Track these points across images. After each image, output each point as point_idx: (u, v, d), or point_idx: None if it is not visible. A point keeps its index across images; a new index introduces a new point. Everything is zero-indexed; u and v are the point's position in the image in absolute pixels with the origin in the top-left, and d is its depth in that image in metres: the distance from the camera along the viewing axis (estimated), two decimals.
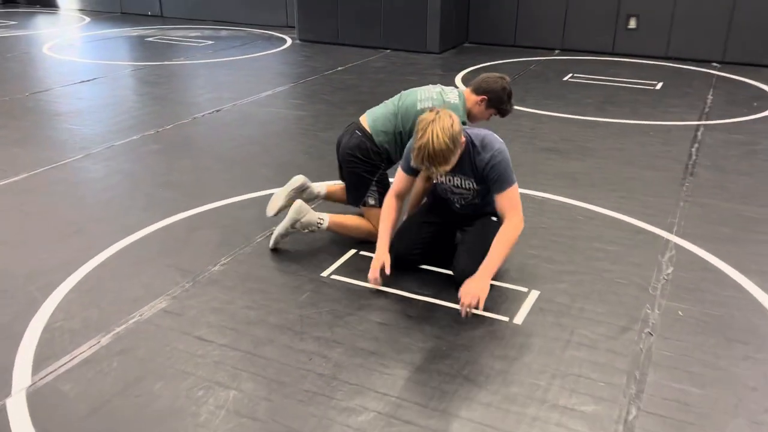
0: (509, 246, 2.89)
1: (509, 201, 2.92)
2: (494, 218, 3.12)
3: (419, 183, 3.36)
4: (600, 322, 2.79)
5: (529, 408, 2.29)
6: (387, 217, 3.09)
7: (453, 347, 2.62)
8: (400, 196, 3.15)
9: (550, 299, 2.96)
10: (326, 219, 3.32)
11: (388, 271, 2.95)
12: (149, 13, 11.56)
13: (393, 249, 3.10)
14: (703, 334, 2.73)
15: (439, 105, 3.22)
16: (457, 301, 2.83)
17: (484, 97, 3.35)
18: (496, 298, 2.94)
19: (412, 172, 3.10)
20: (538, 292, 3.01)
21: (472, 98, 3.37)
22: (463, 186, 3.04)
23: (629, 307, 2.90)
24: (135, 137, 5.11)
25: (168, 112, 5.87)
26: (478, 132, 2.98)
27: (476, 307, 2.76)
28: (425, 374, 2.45)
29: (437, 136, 2.67)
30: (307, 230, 3.30)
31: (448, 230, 3.27)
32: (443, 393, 2.36)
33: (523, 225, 2.93)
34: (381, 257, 2.98)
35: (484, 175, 2.94)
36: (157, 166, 4.57)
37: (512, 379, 2.43)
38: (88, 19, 11.29)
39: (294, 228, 3.27)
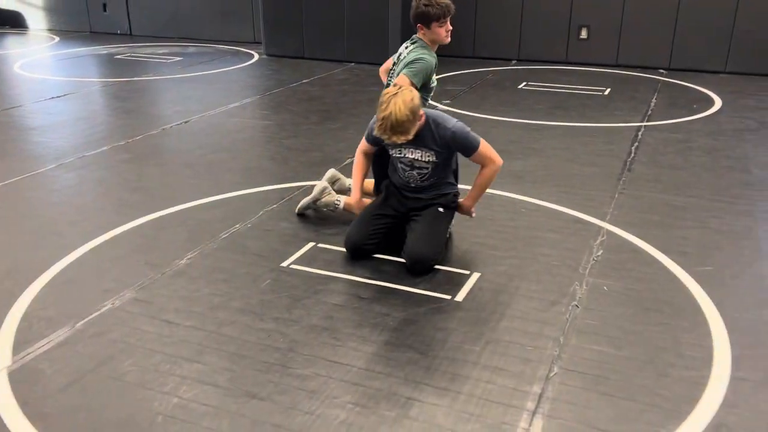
0: (489, 182, 3.47)
1: (483, 156, 3.38)
2: (441, 209, 3.44)
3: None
4: (532, 298, 3.09)
5: (464, 369, 2.57)
6: (358, 171, 3.62)
7: (399, 322, 2.89)
8: (369, 155, 3.62)
9: (490, 280, 3.26)
10: (342, 201, 3.81)
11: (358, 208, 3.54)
12: (118, 31, 11.77)
13: (349, 239, 3.40)
14: (624, 305, 3.04)
15: (412, 58, 3.57)
16: (408, 284, 3.12)
17: (420, 25, 3.65)
18: (441, 280, 3.22)
19: (374, 142, 3.46)
20: (479, 274, 3.30)
21: (420, 33, 3.69)
22: (423, 159, 3.36)
23: (560, 285, 3.20)
24: (105, 148, 5.34)
25: (137, 124, 6.10)
26: (433, 112, 3.37)
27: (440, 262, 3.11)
28: (373, 345, 2.73)
29: (399, 108, 3.02)
30: (325, 209, 3.87)
31: (400, 222, 3.55)
32: (388, 359, 2.63)
33: (500, 162, 3.44)
34: (356, 195, 3.61)
35: (450, 146, 3.32)
36: (127, 174, 4.80)
37: (450, 346, 2.71)
38: (57, 38, 11.46)
39: (315, 204, 3.88)
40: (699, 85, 7.59)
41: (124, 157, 5.14)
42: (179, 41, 11.01)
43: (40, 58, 9.65)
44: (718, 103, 6.81)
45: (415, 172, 3.42)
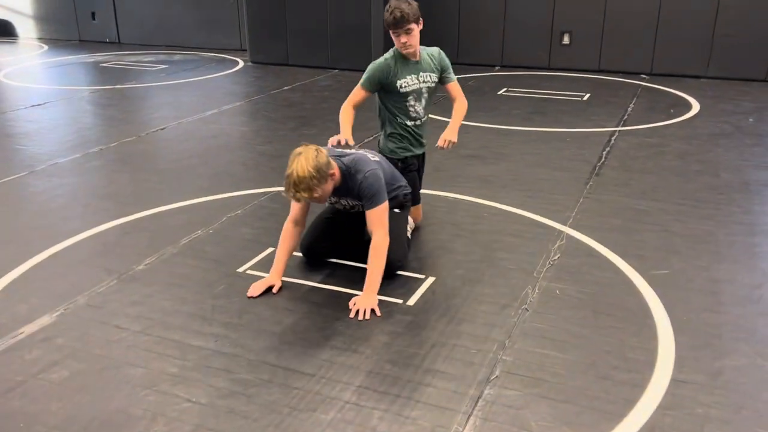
0: (384, 257, 3.10)
1: (378, 215, 3.12)
2: (396, 210, 3.42)
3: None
4: (483, 302, 3.10)
5: (405, 372, 2.58)
6: (284, 244, 3.25)
7: (348, 326, 2.90)
8: (297, 222, 3.27)
9: (444, 284, 3.26)
10: None
11: (276, 290, 3.18)
12: (107, 40, 11.83)
13: (302, 241, 3.40)
14: (575, 308, 3.04)
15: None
16: (362, 288, 3.13)
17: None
18: (395, 285, 3.23)
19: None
20: (434, 278, 3.31)
21: None
22: (356, 206, 3.33)
23: (513, 288, 3.21)
24: (78, 155, 5.36)
25: (114, 131, 6.12)
26: (352, 157, 3.21)
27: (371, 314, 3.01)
28: (318, 348, 2.73)
29: (302, 165, 2.91)
30: None
31: (354, 225, 3.55)
32: (332, 363, 2.64)
33: (388, 239, 3.11)
34: (271, 280, 3.20)
35: (358, 194, 3.17)
36: (97, 180, 4.82)
37: (395, 350, 2.72)
38: (46, 47, 11.51)
39: None
40: (679, 90, 7.61)
41: (96, 164, 5.17)
42: (166, 49, 11.06)
43: (26, 67, 9.69)
44: (696, 107, 6.83)
45: (352, 210, 3.41)
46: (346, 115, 3.59)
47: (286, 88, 7.98)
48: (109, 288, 3.23)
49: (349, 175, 3.15)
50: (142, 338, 2.81)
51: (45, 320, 2.95)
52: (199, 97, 7.55)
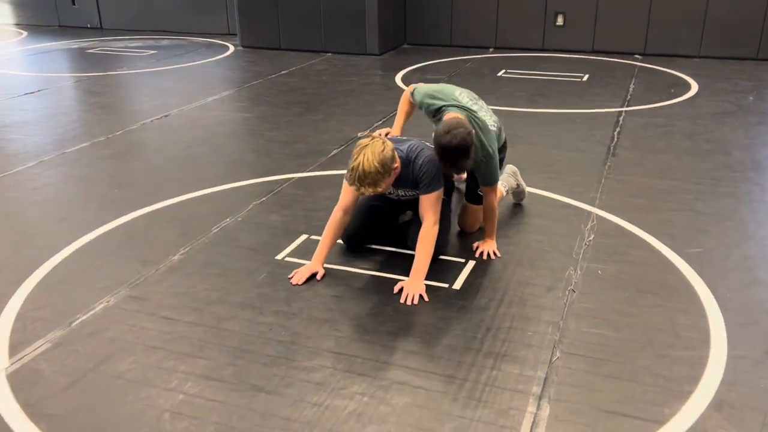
0: (433, 244, 3.08)
1: (432, 202, 3.10)
2: (445, 197, 3.38)
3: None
4: (528, 284, 3.12)
5: (467, 356, 2.58)
6: (330, 231, 3.21)
7: (399, 311, 2.89)
8: (347, 211, 3.21)
9: (485, 268, 3.27)
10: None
11: (319, 277, 3.15)
12: (88, 25, 11.54)
13: (346, 231, 3.37)
14: (619, 288, 3.08)
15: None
16: (404, 273, 3.12)
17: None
18: (437, 269, 3.23)
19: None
20: (474, 262, 3.32)
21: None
22: (408, 195, 3.30)
23: (555, 270, 3.23)
24: (85, 144, 5.24)
25: (116, 119, 5.99)
26: (411, 144, 3.18)
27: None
28: (375, 334, 2.73)
29: (368, 159, 2.88)
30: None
31: (393, 211, 3.54)
32: (391, 348, 2.63)
33: (437, 225, 3.10)
34: (313, 268, 3.17)
35: (415, 180, 3.14)
36: (109, 170, 4.72)
37: (452, 334, 2.72)
38: (25, 33, 11.20)
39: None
40: (675, 70, 7.70)
41: (105, 153, 5.06)
42: (152, 34, 10.83)
43: (8, 54, 9.42)
44: (694, 87, 6.91)
45: (402, 198, 3.37)
46: (399, 113, 3.77)
47: (283, 72, 7.88)
48: (148, 279, 3.17)
49: (409, 162, 3.13)
50: (194, 328, 2.77)
51: (90, 314, 2.89)
52: (196, 84, 7.42)
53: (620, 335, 2.72)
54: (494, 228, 3.45)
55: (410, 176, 3.14)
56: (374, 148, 2.93)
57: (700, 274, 3.18)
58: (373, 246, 3.47)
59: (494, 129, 3.42)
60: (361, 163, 2.90)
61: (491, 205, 3.42)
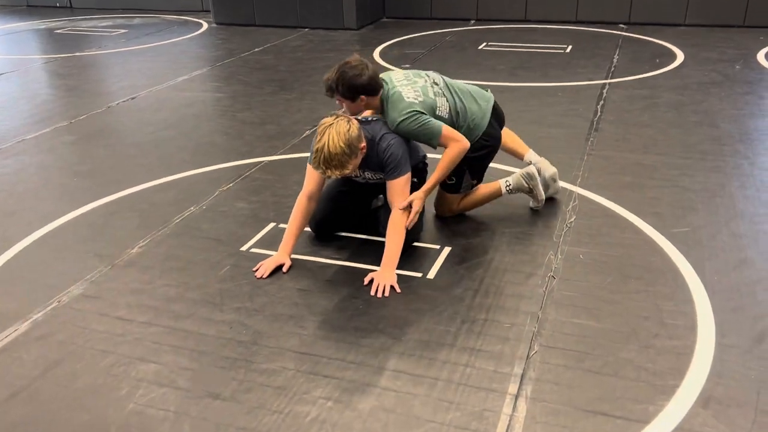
0: (404, 232, 2.92)
1: (398, 187, 2.92)
2: (415, 180, 3.18)
3: None
4: (507, 271, 2.95)
5: (440, 353, 2.42)
6: (296, 220, 3.03)
7: (369, 305, 2.73)
8: (312, 197, 3.04)
9: (462, 254, 3.11)
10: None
11: (285, 269, 2.97)
12: (57, 4, 11.16)
13: (313, 218, 3.19)
14: (602, 273, 2.92)
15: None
16: (375, 262, 2.95)
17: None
18: (410, 257, 3.06)
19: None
20: (450, 248, 3.15)
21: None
22: (375, 178, 3.11)
23: (535, 255, 3.07)
24: (47, 130, 5.00)
25: (82, 102, 5.74)
26: (374, 125, 2.99)
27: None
28: (342, 331, 2.56)
29: (333, 139, 2.70)
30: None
31: (363, 196, 3.36)
32: (360, 347, 2.47)
33: (463, 142, 3.02)
34: (279, 259, 2.99)
35: (380, 164, 2.95)
36: (70, 157, 4.50)
37: (424, 328, 2.56)
38: None
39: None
40: (660, 39, 7.49)
41: (67, 138, 4.83)
42: (123, 13, 10.49)
43: None
44: (680, 56, 6.72)
45: (370, 181, 3.18)
46: None
47: (257, 50, 7.62)
48: (103, 276, 2.98)
49: (374, 143, 2.94)
50: (149, 330, 2.59)
51: (39, 316, 2.70)
52: (166, 63, 7.15)
53: (602, 325, 2.57)
54: (394, 254, 2.87)
55: (374, 158, 2.95)
56: (339, 127, 2.74)
57: (686, 256, 3.03)
58: (344, 234, 3.30)
59: (443, 114, 3.09)
60: (326, 144, 2.71)
61: (395, 217, 2.91)
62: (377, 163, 2.95)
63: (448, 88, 3.24)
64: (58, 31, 9.17)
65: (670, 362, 2.35)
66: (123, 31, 9.01)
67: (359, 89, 2.94)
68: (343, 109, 3.08)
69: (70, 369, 2.38)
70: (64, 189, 3.96)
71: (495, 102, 3.40)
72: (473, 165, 3.28)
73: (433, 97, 3.10)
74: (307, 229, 3.25)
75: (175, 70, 6.78)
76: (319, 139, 2.74)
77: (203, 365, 2.39)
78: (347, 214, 3.29)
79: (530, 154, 3.63)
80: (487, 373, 2.31)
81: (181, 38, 8.46)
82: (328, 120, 2.79)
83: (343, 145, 2.71)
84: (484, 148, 3.30)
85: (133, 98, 5.80)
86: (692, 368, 2.32)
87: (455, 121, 3.15)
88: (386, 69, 6.48)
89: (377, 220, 3.21)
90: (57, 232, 3.41)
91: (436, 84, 3.20)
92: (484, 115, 3.26)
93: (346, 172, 2.82)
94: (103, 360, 2.43)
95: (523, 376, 2.29)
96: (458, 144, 3.01)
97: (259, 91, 5.96)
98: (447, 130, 3.01)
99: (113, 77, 6.79)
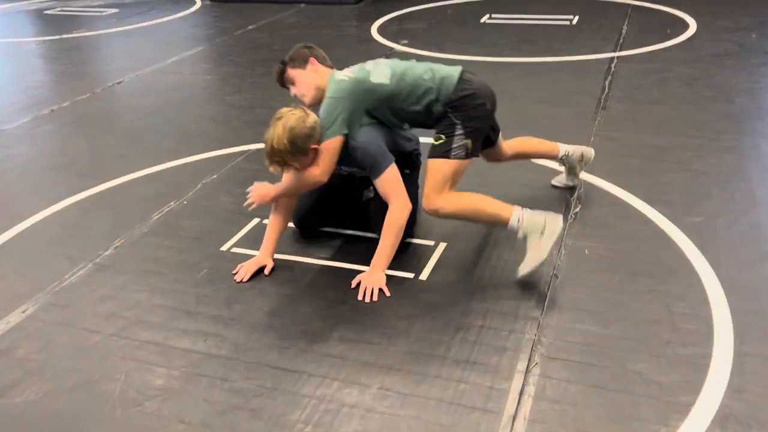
0: (399, 232, 2.67)
1: (387, 184, 2.67)
2: (407, 170, 2.96)
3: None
4: (505, 269, 2.73)
5: (431, 366, 2.21)
6: (276, 217, 2.82)
7: (356, 311, 2.52)
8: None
9: (457, 251, 2.88)
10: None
11: (267, 272, 2.77)
12: None
13: (296, 214, 2.98)
14: (608, 270, 2.69)
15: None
16: (365, 262, 2.74)
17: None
18: (402, 255, 2.84)
19: None
20: (445, 244, 2.93)
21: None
22: (360, 172, 2.87)
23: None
24: (28, 118, 4.79)
25: (65, 88, 5.52)
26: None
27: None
28: (325, 342, 2.35)
29: (278, 134, 2.50)
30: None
31: (351, 187, 3.13)
32: (344, 360, 2.26)
33: (409, 206, 2.68)
34: (262, 260, 2.78)
35: (358, 161, 2.71)
36: (50, 148, 4.29)
37: (415, 337, 2.35)
38: None
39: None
40: (671, 7, 7.13)
41: (47, 128, 4.61)
42: None
43: None
44: (693, 26, 6.38)
45: (356, 174, 2.95)
46: None
47: (250, 27, 7.33)
48: (73, 281, 2.79)
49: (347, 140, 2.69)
50: (117, 343, 2.40)
51: (1, 328, 2.51)
52: (156, 44, 6.89)
53: (609, 331, 2.35)
54: (386, 254, 2.64)
55: (350, 155, 2.71)
56: (288, 121, 2.52)
57: (701, 249, 2.79)
58: (331, 229, 3.08)
59: (382, 80, 2.68)
60: (271, 138, 2.52)
61: (392, 213, 2.65)
62: (355, 160, 2.72)
63: (402, 62, 2.84)
64: (48, 11, 8.90)
65: (684, 374, 2.13)
66: (114, 10, 8.72)
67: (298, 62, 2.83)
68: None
69: (30, 390, 2.20)
70: (39, 184, 3.75)
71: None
72: (465, 120, 2.70)
73: (369, 68, 2.74)
74: (291, 225, 3.04)
75: (165, 51, 6.52)
76: (268, 130, 2.54)
77: (175, 383, 2.19)
78: (333, 208, 3.07)
79: (563, 148, 3.30)
80: (483, 389, 2.11)
81: (173, 17, 8.17)
82: (283, 110, 2.57)
83: (286, 141, 2.49)
84: (470, 98, 2.69)
85: (119, 83, 5.56)
86: (709, 381, 2.10)
87: (397, 86, 2.69)
88: (384, 46, 6.21)
89: (368, 215, 2.98)
90: (28, 232, 3.21)
91: (387, 61, 2.84)
92: (449, 72, 2.74)
93: (291, 170, 2.62)
94: (66, 379, 2.23)
95: (521, 393, 2.08)
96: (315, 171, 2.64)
97: (250, 72, 5.71)
98: (334, 143, 2.63)
99: (100, 60, 6.55)
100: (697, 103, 4.46)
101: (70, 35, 7.46)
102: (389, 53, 5.93)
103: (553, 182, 3.41)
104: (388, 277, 2.68)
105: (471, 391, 2.10)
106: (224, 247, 2.99)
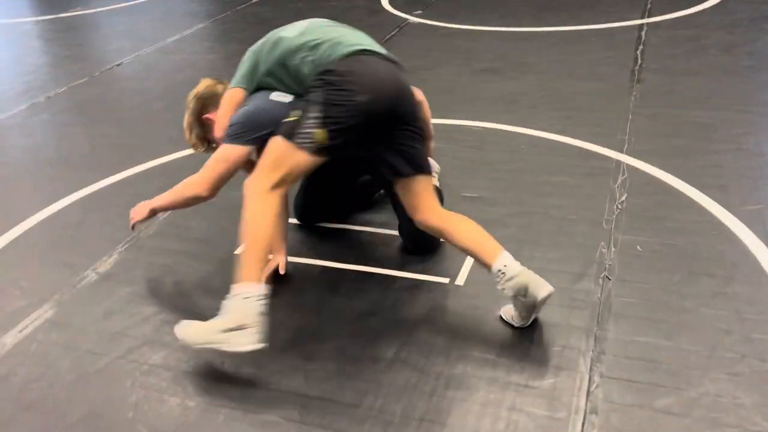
0: (181, 190, 2.43)
1: (212, 157, 2.41)
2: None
3: None
4: (552, 271, 2.45)
5: (477, 392, 1.96)
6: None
7: (387, 325, 2.26)
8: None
9: None
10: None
11: (282, 270, 2.51)
12: None
13: (295, 204, 2.81)
14: (666, 270, 2.42)
15: None
16: (393, 265, 2.48)
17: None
18: (434, 258, 2.58)
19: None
20: None
21: None
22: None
23: (583, 248, 2.57)
24: (23, 107, 4.50)
25: (62, 72, 5.22)
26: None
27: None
28: (357, 364, 2.10)
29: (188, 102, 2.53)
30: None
31: (344, 177, 2.83)
32: (379, 386, 2.01)
33: (203, 191, 2.38)
34: (274, 261, 2.51)
35: None
36: (46, 140, 4.02)
37: (457, 357, 2.10)
38: None
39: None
40: None
41: (43, 117, 4.33)
42: None
43: None
44: None
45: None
46: None
47: (253, 1, 6.99)
48: (74, 294, 2.54)
49: None
50: (125, 368, 2.15)
51: None
52: (157, 22, 6.57)
53: (674, 343, 2.09)
54: (164, 196, 2.47)
55: None
56: (190, 96, 2.53)
57: (766, 242, 2.52)
58: (347, 226, 2.82)
59: (288, 34, 2.33)
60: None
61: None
62: None
63: (334, 24, 2.44)
64: None
65: (766, 396, 1.87)
66: None
67: None
68: None
69: (25, 428, 1.96)
70: (36, 182, 3.49)
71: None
72: (325, 104, 2.11)
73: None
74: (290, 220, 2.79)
75: (165, 29, 6.19)
76: None
77: (191, 415, 1.95)
78: (333, 201, 2.85)
79: (502, 260, 2.15)
80: (539, 420, 1.85)
81: None
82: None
83: (187, 114, 2.52)
84: (340, 78, 2.12)
85: (118, 65, 5.26)
86: None
87: (297, 40, 2.28)
88: (396, 17, 5.86)
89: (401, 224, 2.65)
90: (24, 237, 2.96)
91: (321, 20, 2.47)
92: (352, 42, 2.23)
93: (195, 146, 2.59)
94: (70, 413, 2.00)
95: (584, 424, 1.83)
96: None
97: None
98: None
99: (99, 41, 6.24)
100: (739, 73, 4.14)
101: (66, 14, 7.13)
102: (403, 25, 5.60)
103: (501, 313, 2.27)
104: (421, 282, 2.42)
105: (526, 424, 1.85)
106: (238, 251, 2.72)
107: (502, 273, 2.09)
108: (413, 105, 2.26)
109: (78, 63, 5.45)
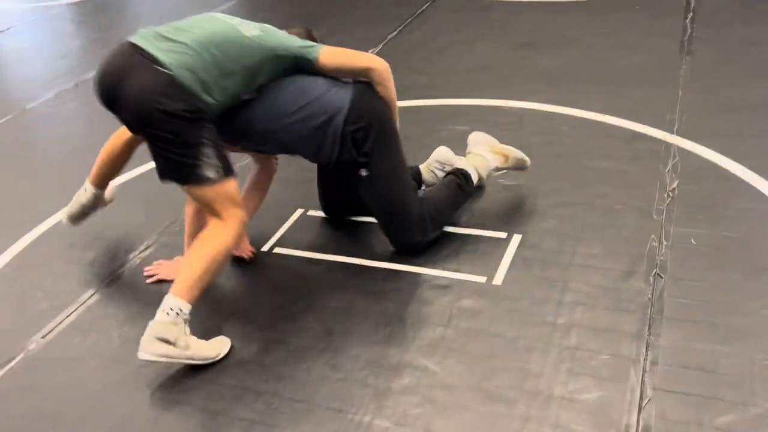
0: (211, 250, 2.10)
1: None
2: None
3: None
4: (597, 269, 2.29)
5: (518, 406, 1.82)
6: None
7: (419, 328, 2.13)
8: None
9: (535, 244, 2.45)
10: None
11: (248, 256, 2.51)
12: None
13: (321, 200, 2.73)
14: (724, 266, 2.23)
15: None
16: (424, 263, 2.34)
17: None
18: (468, 251, 2.43)
19: None
20: (520, 236, 2.49)
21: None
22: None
23: (631, 243, 2.39)
24: (51, 95, 4.44)
25: (91, 57, 5.13)
26: None
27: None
28: (387, 376, 1.98)
29: None
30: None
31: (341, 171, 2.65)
32: (414, 394, 1.89)
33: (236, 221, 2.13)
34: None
35: None
36: (74, 130, 3.95)
37: (495, 367, 1.95)
38: None
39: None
40: None
41: (71, 106, 4.26)
42: None
43: None
44: None
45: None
46: None
47: None
48: (98, 297, 2.46)
49: None
50: (149, 376, 2.07)
51: (17, 358, 2.21)
52: (183, 1, 6.45)
53: (734, 350, 1.91)
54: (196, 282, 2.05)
55: None
56: None
57: None
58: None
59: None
60: None
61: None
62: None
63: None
64: None
65: None
66: None
67: None
68: None
69: None
70: (64, 176, 3.42)
71: None
72: None
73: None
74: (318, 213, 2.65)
75: (194, 7, 6.05)
76: None
77: (215, 425, 1.86)
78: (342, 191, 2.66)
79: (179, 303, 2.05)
80: None
81: None
82: None
83: None
84: None
85: None
86: None
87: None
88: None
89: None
90: (48, 235, 2.89)
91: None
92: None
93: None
94: (86, 426, 1.92)
95: None
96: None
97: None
98: None
99: (127, 22, 6.14)
100: None
101: None
102: (429, 3, 5.37)
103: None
104: (454, 281, 2.28)
105: None
106: (265, 248, 2.62)
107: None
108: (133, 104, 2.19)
109: (107, 47, 5.34)
